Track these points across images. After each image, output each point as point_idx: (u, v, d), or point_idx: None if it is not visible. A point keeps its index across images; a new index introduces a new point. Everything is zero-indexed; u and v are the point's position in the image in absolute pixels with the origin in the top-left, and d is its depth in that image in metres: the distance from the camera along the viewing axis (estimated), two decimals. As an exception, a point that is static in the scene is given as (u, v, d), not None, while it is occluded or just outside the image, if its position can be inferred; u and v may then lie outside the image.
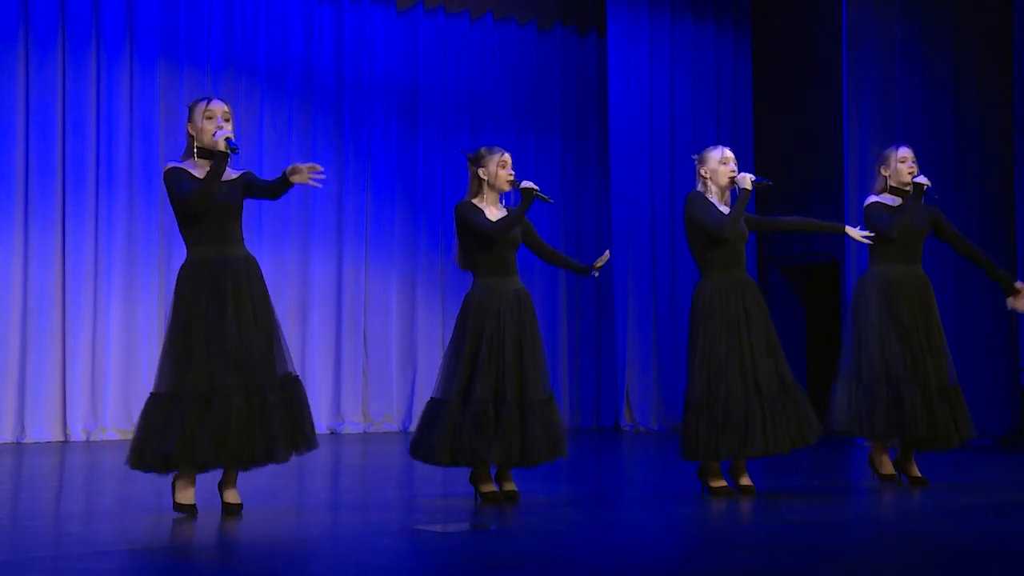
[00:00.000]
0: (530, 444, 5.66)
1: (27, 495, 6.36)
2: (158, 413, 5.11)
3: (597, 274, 6.09)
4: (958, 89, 9.75)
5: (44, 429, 9.64)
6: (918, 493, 6.10)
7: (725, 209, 6.02)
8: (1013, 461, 8.20)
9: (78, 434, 9.66)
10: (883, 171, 6.48)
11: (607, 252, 6.10)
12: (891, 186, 6.47)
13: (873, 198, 6.47)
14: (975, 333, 9.42)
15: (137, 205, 10.10)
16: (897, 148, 6.50)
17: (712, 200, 6.04)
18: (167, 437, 5.05)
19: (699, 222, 5.97)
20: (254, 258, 5.32)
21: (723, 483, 5.96)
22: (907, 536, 4.87)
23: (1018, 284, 6.54)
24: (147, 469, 5.15)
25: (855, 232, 6.38)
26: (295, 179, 5.17)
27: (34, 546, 4.49)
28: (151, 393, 5.22)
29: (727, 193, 6.08)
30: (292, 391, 5.23)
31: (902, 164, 6.45)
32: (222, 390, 5.06)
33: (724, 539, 4.86)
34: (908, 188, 6.43)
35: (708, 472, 5.98)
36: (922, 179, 6.37)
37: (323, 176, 5.25)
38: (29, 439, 9.53)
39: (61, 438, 9.66)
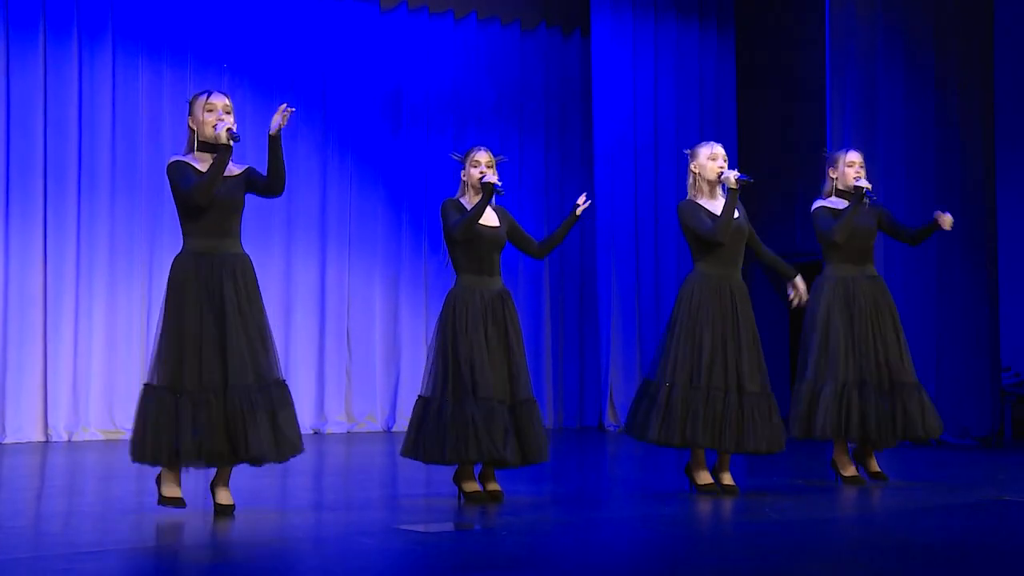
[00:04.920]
0: (528, 444, 5.69)
1: (8, 495, 6.33)
2: (155, 405, 5.04)
3: (580, 211, 6.00)
4: (940, 89, 9.78)
5: (26, 429, 9.59)
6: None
7: (716, 205, 6.04)
8: (994, 461, 8.24)
9: (60, 434, 9.61)
10: (831, 173, 6.61)
11: (584, 196, 6.04)
12: (838, 188, 6.58)
13: (819, 203, 6.58)
14: (956, 333, 9.44)
15: (120, 203, 10.05)
16: (846, 151, 6.64)
17: (702, 202, 6.08)
18: (174, 431, 4.98)
19: (693, 231, 6.02)
20: (248, 256, 5.30)
21: (710, 480, 5.98)
22: (889, 535, 4.88)
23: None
24: (152, 463, 5.08)
25: (800, 285, 6.37)
26: (273, 129, 5.20)
27: (15, 547, 4.47)
28: (145, 384, 5.15)
29: (717, 188, 6.11)
30: (279, 396, 5.16)
31: (849, 168, 6.56)
32: (211, 386, 5.02)
33: (707, 539, 4.86)
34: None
35: (695, 467, 6.00)
36: (862, 183, 6.47)
37: (292, 109, 5.30)
38: (10, 439, 9.49)
39: (43, 438, 9.62)
